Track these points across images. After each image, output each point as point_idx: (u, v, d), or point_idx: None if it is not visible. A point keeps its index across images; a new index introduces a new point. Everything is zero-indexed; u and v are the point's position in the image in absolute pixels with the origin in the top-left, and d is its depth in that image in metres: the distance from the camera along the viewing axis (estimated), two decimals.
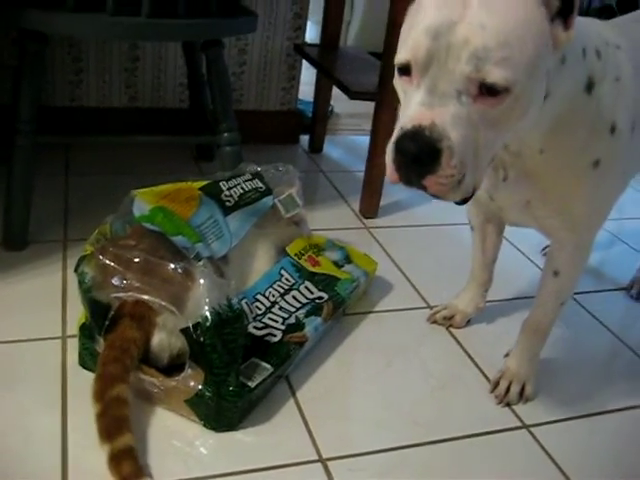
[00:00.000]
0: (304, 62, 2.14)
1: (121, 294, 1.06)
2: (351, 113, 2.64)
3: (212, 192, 1.25)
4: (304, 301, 1.26)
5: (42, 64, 1.37)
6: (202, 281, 1.03)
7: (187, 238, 1.11)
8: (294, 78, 2.17)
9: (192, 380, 1.04)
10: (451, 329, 1.38)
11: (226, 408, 1.04)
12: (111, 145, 1.97)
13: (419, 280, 1.54)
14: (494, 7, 0.76)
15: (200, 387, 1.03)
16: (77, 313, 1.16)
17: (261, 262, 1.29)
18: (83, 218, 1.59)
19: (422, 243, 1.72)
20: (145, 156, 1.98)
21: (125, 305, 1.06)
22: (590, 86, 0.92)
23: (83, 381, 1.10)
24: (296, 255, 1.34)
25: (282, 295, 1.25)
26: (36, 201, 1.45)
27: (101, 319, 1.08)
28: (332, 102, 2.26)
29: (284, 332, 1.17)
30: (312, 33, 2.57)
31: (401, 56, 0.81)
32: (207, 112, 1.91)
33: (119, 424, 0.95)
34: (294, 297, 1.26)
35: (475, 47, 0.75)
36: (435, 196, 0.82)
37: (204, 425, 1.05)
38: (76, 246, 1.46)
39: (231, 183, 1.28)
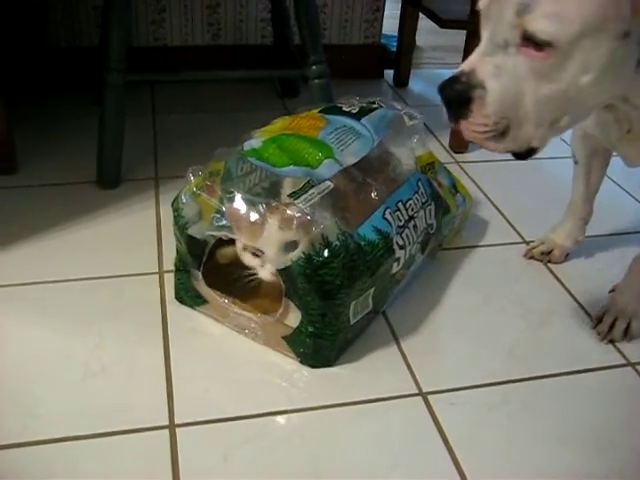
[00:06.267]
0: None
1: (215, 232, 1.05)
2: (434, 46, 2.56)
3: (332, 110, 1.22)
4: (423, 226, 1.17)
5: (131, 1, 1.35)
6: (290, 233, 0.98)
7: (304, 165, 1.06)
8: (378, 10, 2.10)
9: (290, 317, 1.04)
10: (549, 264, 1.33)
11: (324, 346, 1.03)
12: (196, 83, 1.97)
13: (513, 215, 1.49)
14: None
15: (298, 324, 1.02)
16: (172, 249, 1.17)
17: (404, 167, 1.19)
18: (172, 156, 1.60)
19: (514, 177, 1.66)
20: (229, 94, 1.97)
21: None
22: None
23: (182, 315, 1.13)
24: (423, 170, 1.25)
25: (418, 211, 1.16)
26: (126, 140, 1.46)
27: (198, 255, 1.08)
28: None
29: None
30: None
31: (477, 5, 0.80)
32: (291, 47, 1.88)
33: None
34: (423, 216, 1.17)
35: None
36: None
37: (301, 362, 1.05)
38: (167, 183, 1.47)
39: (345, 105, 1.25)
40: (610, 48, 0.75)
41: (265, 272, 1.02)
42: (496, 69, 0.77)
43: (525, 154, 0.84)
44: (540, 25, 0.73)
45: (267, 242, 0.99)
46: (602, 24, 0.73)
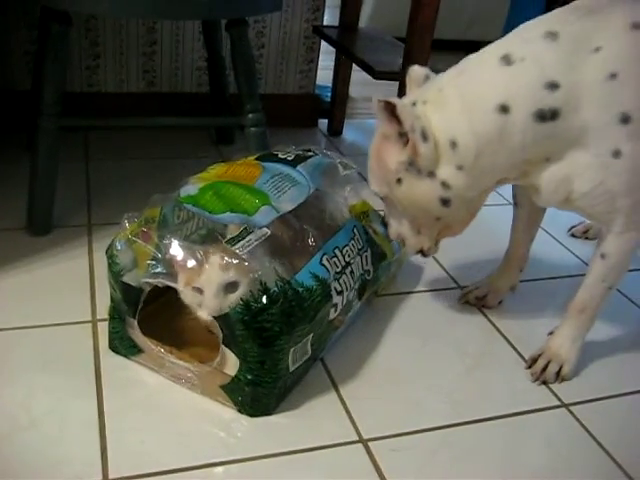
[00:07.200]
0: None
1: (151, 279, 1.02)
2: (367, 97, 2.61)
3: (268, 157, 1.23)
4: (360, 272, 1.18)
5: (66, 46, 1.34)
6: (231, 274, 0.96)
7: (241, 211, 1.05)
8: (312, 61, 2.14)
9: (228, 365, 1.02)
10: (484, 309, 1.36)
11: (263, 394, 1.02)
12: (130, 130, 1.95)
13: (447, 260, 1.51)
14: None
15: (236, 372, 1.01)
16: (106, 297, 1.14)
17: (340, 214, 1.21)
18: (106, 203, 1.58)
19: None
20: (164, 141, 1.96)
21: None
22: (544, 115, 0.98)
23: (116, 365, 1.10)
24: (358, 218, 1.26)
25: (354, 257, 1.17)
26: (58, 187, 1.43)
27: (134, 302, 1.06)
28: None
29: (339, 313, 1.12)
30: (328, 17, 2.54)
31: None
32: (227, 95, 1.89)
33: None
34: (359, 263, 1.18)
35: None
36: None
37: (239, 411, 1.03)
38: (101, 230, 1.45)
39: (281, 152, 1.26)
40: (427, 185, 1.04)
41: (202, 312, 0.99)
42: (388, 211, 1.16)
43: (422, 254, 1.18)
44: (372, 187, 1.12)
45: (207, 282, 0.97)
46: (393, 176, 1.05)
